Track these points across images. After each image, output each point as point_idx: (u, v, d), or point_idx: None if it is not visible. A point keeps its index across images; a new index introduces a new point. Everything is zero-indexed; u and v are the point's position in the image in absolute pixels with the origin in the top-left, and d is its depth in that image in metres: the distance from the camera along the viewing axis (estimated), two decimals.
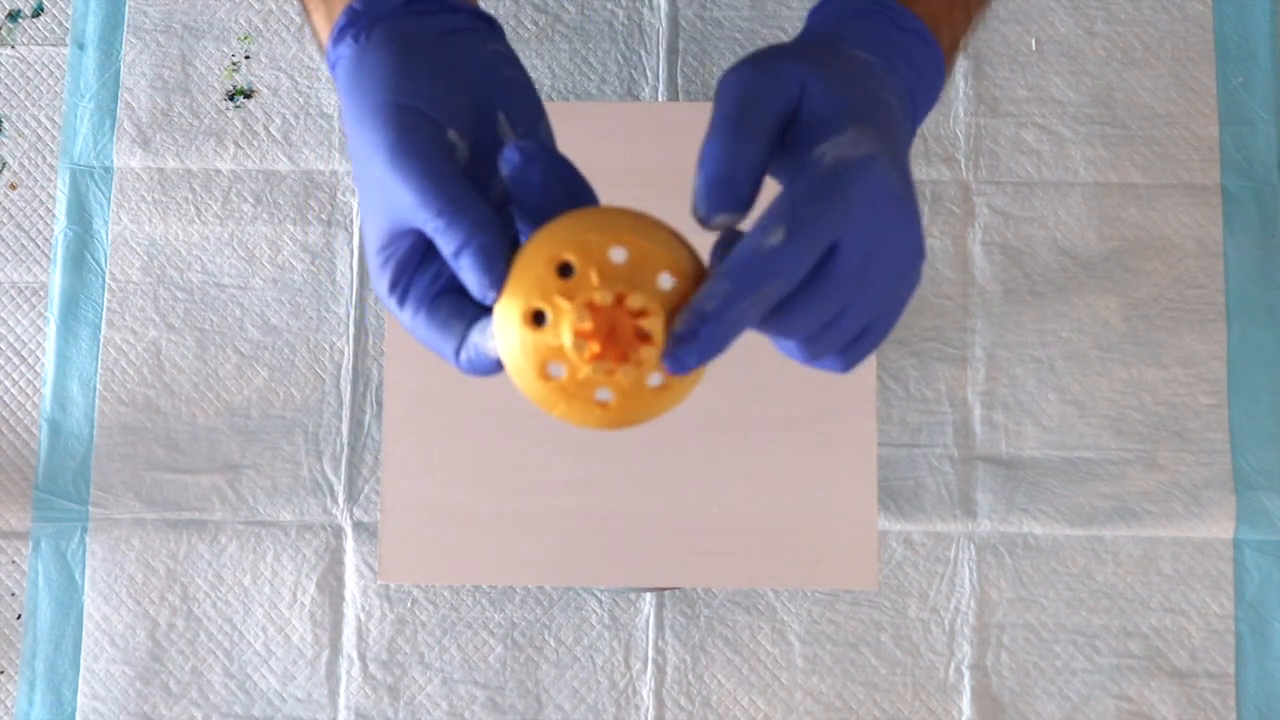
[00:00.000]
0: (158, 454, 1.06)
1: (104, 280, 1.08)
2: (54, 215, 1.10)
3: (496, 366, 0.39)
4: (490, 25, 0.46)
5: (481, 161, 0.41)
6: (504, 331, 0.37)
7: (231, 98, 1.11)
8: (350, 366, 1.07)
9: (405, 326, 0.41)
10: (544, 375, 0.37)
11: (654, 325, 0.37)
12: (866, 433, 0.70)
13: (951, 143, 1.08)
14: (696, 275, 0.38)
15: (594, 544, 0.70)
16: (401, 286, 0.40)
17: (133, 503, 1.05)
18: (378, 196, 0.39)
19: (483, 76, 0.43)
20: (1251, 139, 1.08)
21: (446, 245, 0.37)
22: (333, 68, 0.44)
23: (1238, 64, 1.09)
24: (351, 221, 1.08)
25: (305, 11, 0.47)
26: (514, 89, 0.43)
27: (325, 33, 0.45)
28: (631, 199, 0.42)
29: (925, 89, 0.46)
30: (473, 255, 0.37)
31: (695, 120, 0.73)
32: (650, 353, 0.37)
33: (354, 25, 0.44)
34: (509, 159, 0.38)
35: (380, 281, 0.40)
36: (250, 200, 1.09)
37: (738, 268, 0.36)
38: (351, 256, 1.08)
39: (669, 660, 1.02)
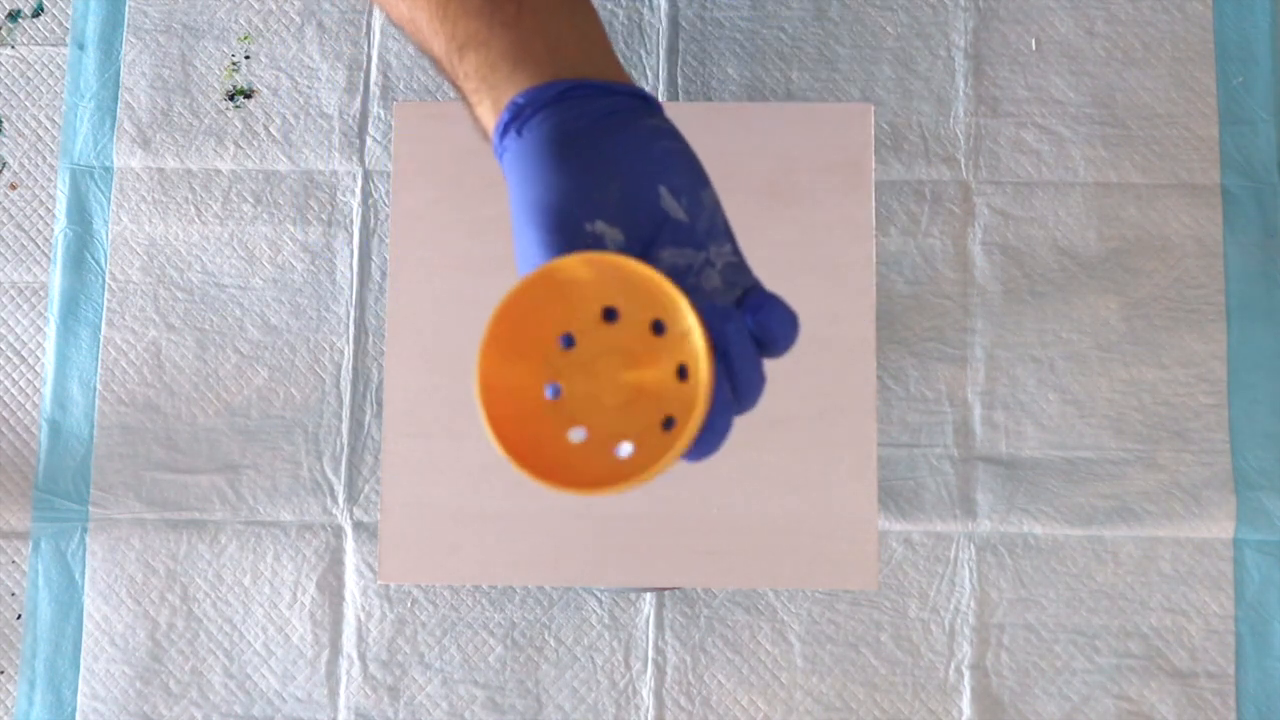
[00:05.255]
0: (158, 454, 1.06)
1: (104, 280, 1.08)
2: (54, 215, 1.10)
3: None
4: (646, 102, 0.48)
5: (640, 236, 0.44)
6: (488, 393, 0.40)
7: (231, 98, 1.11)
8: (350, 366, 1.07)
9: None
10: (563, 440, 0.41)
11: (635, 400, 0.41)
12: (866, 433, 0.70)
13: (951, 143, 1.08)
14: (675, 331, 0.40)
15: (594, 544, 0.70)
16: None
17: (133, 503, 1.05)
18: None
19: (640, 154, 0.45)
20: (1251, 139, 1.08)
21: None
22: (499, 158, 0.47)
23: (1238, 64, 1.09)
24: (352, 222, 1.08)
25: (467, 104, 0.50)
26: (673, 161, 0.46)
27: (490, 123, 0.48)
28: None
29: None
30: None
31: (695, 120, 0.73)
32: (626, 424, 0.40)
33: (517, 119, 0.46)
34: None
35: None
36: (250, 200, 1.09)
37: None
38: (351, 256, 1.08)
39: (669, 660, 1.02)
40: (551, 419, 0.41)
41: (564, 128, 0.45)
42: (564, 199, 0.44)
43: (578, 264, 0.40)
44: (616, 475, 0.39)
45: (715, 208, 0.46)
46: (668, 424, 0.40)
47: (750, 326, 0.42)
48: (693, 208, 0.45)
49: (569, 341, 0.41)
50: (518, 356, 0.41)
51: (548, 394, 0.41)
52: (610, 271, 0.40)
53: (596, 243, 0.43)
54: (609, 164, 0.45)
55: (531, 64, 0.47)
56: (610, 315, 0.41)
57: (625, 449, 0.40)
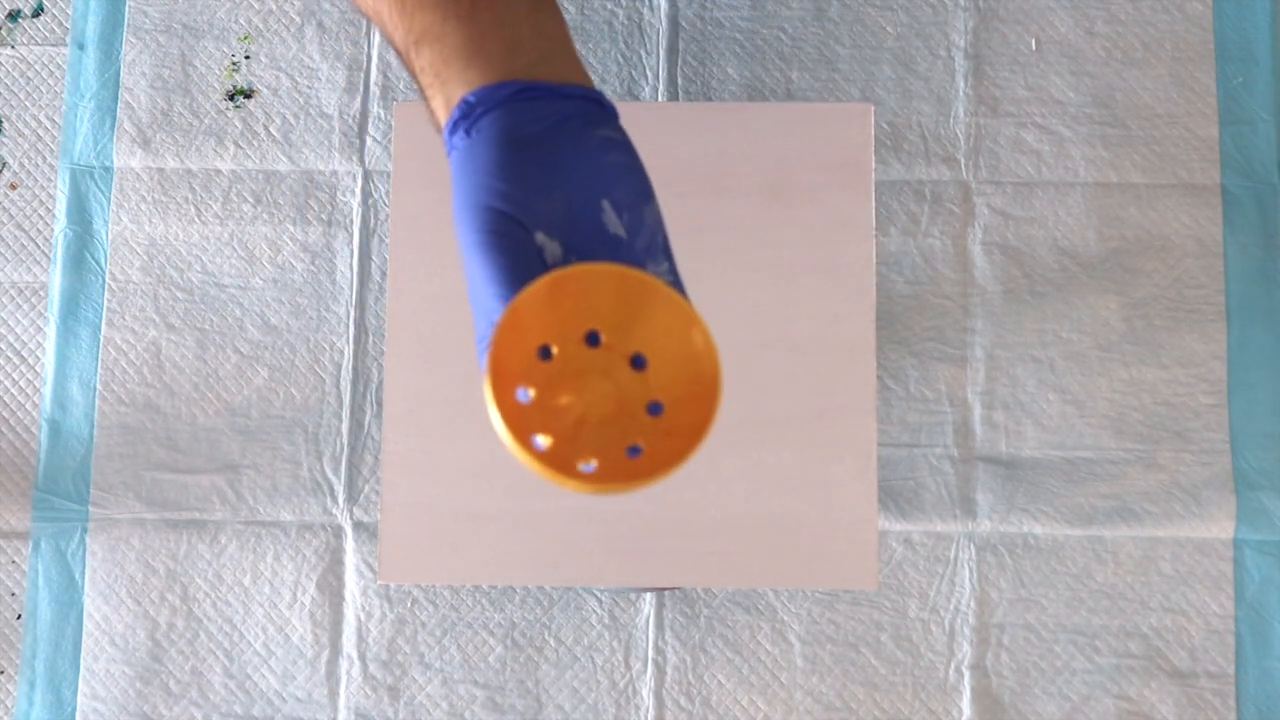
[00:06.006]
0: (158, 454, 1.06)
1: (104, 280, 1.08)
2: (54, 215, 1.10)
3: None
4: (601, 107, 0.48)
5: (579, 249, 0.44)
6: (493, 407, 0.41)
7: (231, 98, 1.11)
8: (350, 366, 1.07)
9: None
10: (529, 446, 0.41)
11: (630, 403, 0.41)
12: (866, 433, 0.70)
13: (951, 143, 1.08)
14: (677, 346, 0.41)
15: (594, 544, 0.70)
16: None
17: (133, 503, 1.05)
18: (471, 288, 0.44)
19: (586, 166, 0.45)
20: (1251, 139, 1.08)
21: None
22: (448, 154, 0.47)
23: (1238, 64, 1.09)
24: (352, 222, 1.08)
25: (424, 98, 0.49)
26: (618, 175, 0.45)
27: (441, 118, 0.48)
28: None
29: None
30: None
31: (695, 120, 0.73)
32: (629, 425, 0.41)
33: (466, 118, 0.46)
34: None
35: (482, 359, 0.43)
36: (250, 200, 1.09)
37: None
38: (351, 256, 1.08)
39: (669, 660, 1.02)
40: (518, 421, 0.41)
41: (513, 131, 0.45)
42: (509, 206, 0.44)
43: (607, 273, 0.41)
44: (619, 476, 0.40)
45: (656, 225, 0.46)
46: (632, 451, 0.41)
47: None
48: (633, 224, 0.45)
49: (546, 354, 0.42)
50: (509, 358, 0.41)
51: (519, 398, 0.41)
52: (630, 288, 0.41)
53: (539, 254, 0.43)
54: (554, 174, 0.45)
55: (484, 61, 0.46)
56: (593, 340, 0.42)
57: (588, 468, 0.41)
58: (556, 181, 0.45)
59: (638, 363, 0.42)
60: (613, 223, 0.44)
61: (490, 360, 0.40)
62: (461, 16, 0.47)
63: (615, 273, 0.41)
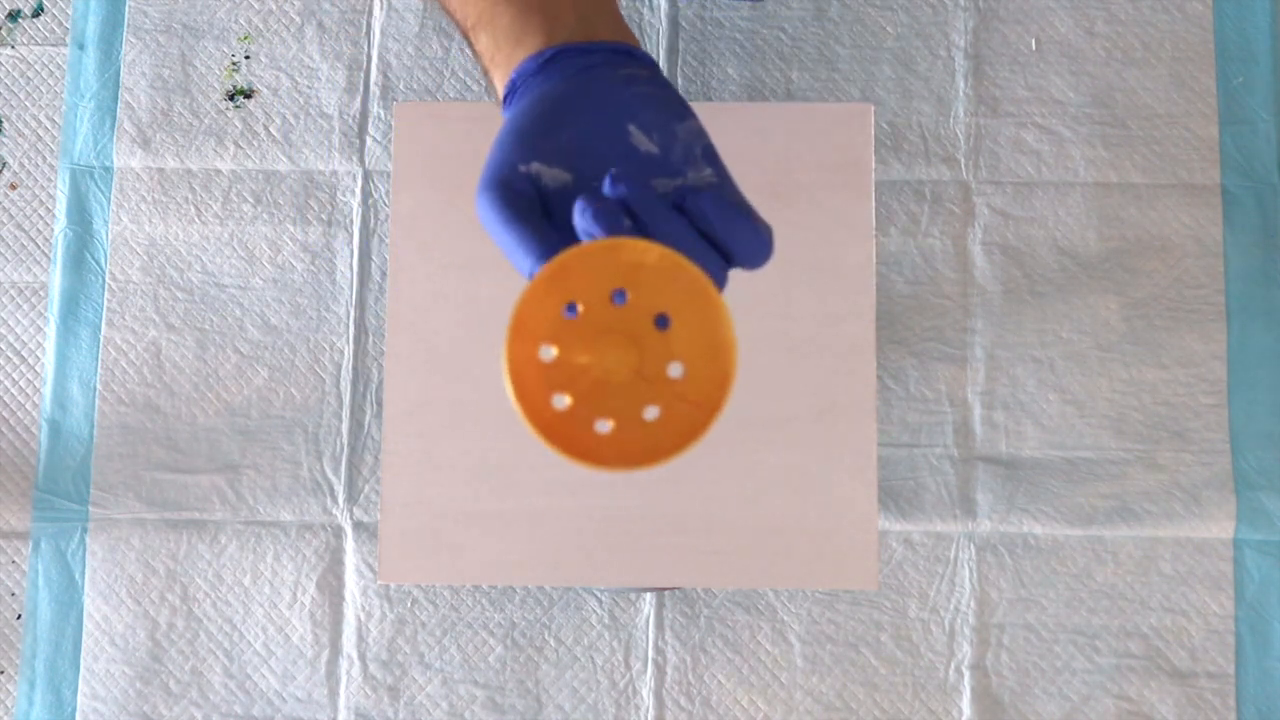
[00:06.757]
0: (158, 454, 1.06)
1: (104, 280, 1.08)
2: (54, 215, 1.10)
3: None
4: (630, 56, 0.48)
5: (596, 174, 0.44)
6: (514, 366, 0.41)
7: (231, 98, 1.11)
8: (350, 366, 1.07)
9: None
10: (548, 406, 0.41)
11: (652, 365, 0.41)
12: (866, 433, 0.70)
13: (951, 143, 1.08)
14: (703, 311, 0.41)
15: (594, 544, 0.70)
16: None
17: (133, 503, 1.05)
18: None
19: (608, 99, 0.45)
20: (1251, 139, 1.08)
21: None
22: None
23: (1238, 64, 1.09)
24: (352, 222, 1.08)
25: (489, 85, 0.51)
26: (643, 101, 0.46)
27: (500, 97, 0.50)
28: None
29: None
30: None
31: None
32: (645, 388, 0.41)
33: (510, 96, 0.48)
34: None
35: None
36: (250, 200, 1.09)
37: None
38: (351, 256, 1.08)
39: (669, 660, 1.02)
40: (540, 380, 0.41)
41: (537, 94, 0.46)
42: (502, 150, 0.44)
43: (638, 246, 0.41)
44: (622, 453, 0.41)
45: (694, 137, 0.45)
46: (650, 413, 0.41)
47: (707, 226, 0.42)
48: (665, 140, 0.45)
49: (572, 310, 0.42)
50: (534, 320, 0.41)
51: (541, 355, 0.41)
52: (657, 260, 0.41)
53: (532, 183, 0.43)
54: (564, 113, 0.45)
55: (530, 40, 0.48)
56: (619, 298, 0.42)
57: (603, 426, 0.41)
58: (566, 119, 0.45)
59: (661, 323, 0.42)
60: (643, 143, 0.45)
61: (515, 318, 0.40)
62: (510, 0, 0.49)
63: (651, 249, 0.41)
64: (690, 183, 0.44)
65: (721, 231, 0.42)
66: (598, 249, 0.41)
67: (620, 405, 0.41)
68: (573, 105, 0.45)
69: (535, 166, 0.44)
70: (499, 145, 0.45)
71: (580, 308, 0.41)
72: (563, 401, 0.41)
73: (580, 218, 0.41)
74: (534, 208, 0.43)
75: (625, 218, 0.41)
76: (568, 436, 0.41)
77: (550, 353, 0.41)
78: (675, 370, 0.41)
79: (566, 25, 0.48)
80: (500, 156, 0.45)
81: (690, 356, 0.41)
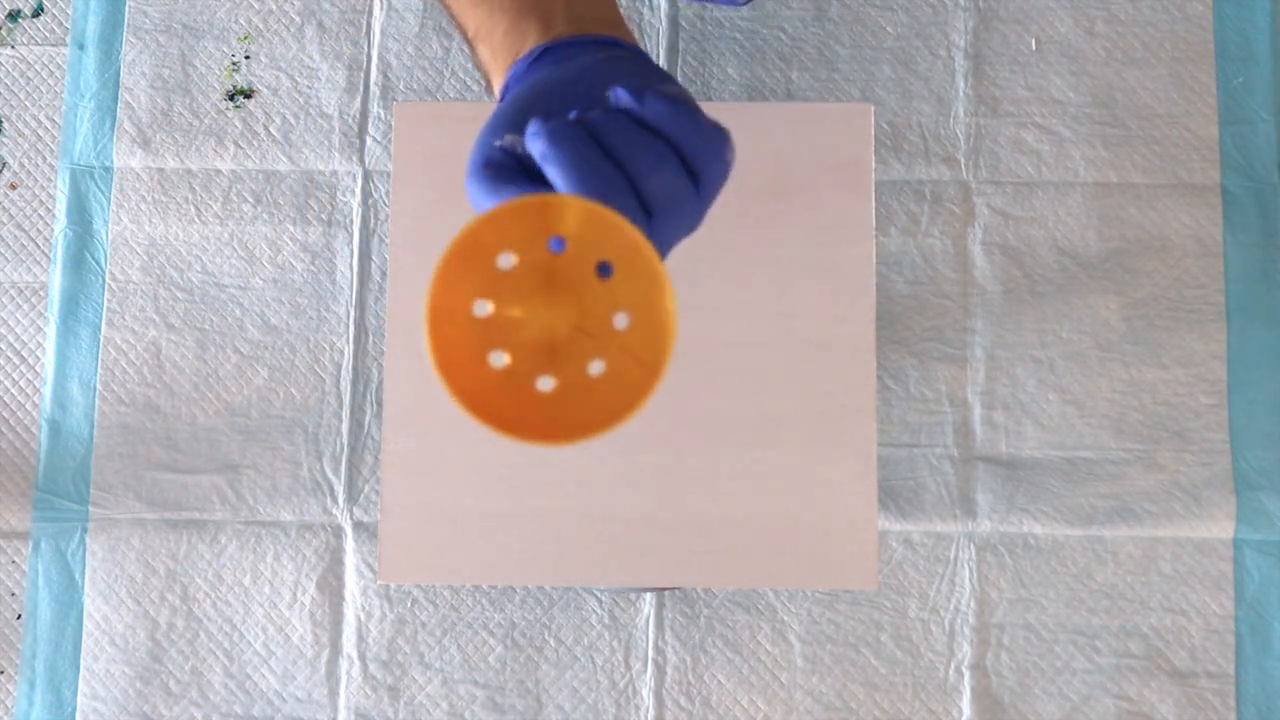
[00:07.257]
0: (158, 454, 1.06)
1: (104, 280, 1.08)
2: (54, 215, 1.10)
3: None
4: (617, 46, 0.48)
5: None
6: (439, 325, 0.37)
7: (231, 98, 1.11)
8: (350, 366, 1.07)
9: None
10: (483, 366, 0.38)
11: (589, 319, 0.38)
12: (866, 433, 0.70)
13: (951, 143, 1.08)
14: (634, 263, 0.38)
15: (594, 544, 0.70)
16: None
17: (133, 503, 1.05)
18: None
19: (587, 72, 0.45)
20: (1251, 139, 1.08)
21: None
22: None
23: (1238, 64, 1.09)
24: (352, 222, 1.08)
25: (490, 93, 0.52)
26: (624, 72, 0.45)
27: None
28: None
29: None
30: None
31: None
32: (587, 343, 0.38)
33: (504, 96, 0.48)
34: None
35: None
36: (250, 200, 1.09)
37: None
38: (351, 256, 1.08)
39: (669, 660, 1.02)
40: (475, 339, 0.38)
41: (520, 85, 0.47)
42: (481, 136, 0.44)
43: (549, 201, 0.38)
44: (555, 423, 0.37)
45: (675, 95, 0.44)
46: (594, 368, 0.38)
47: (662, 122, 0.41)
48: (642, 96, 0.43)
49: (507, 262, 0.39)
50: (461, 278, 0.38)
51: (475, 311, 0.38)
52: (575, 213, 0.38)
53: (507, 155, 0.42)
54: (542, 90, 0.45)
55: (524, 45, 0.48)
56: (557, 246, 0.39)
57: (545, 384, 0.38)
58: (548, 92, 0.45)
59: (604, 270, 0.39)
60: (619, 98, 0.44)
61: (438, 274, 0.37)
62: (505, 8, 0.49)
63: (581, 205, 0.38)
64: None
65: (673, 128, 0.41)
66: (528, 202, 0.38)
67: (563, 362, 0.38)
68: (551, 80, 0.45)
69: (509, 138, 0.43)
70: (480, 134, 0.45)
71: (515, 258, 0.38)
72: (501, 360, 0.38)
73: (532, 141, 0.40)
74: (514, 173, 0.42)
75: (584, 133, 0.40)
76: (502, 404, 0.38)
77: (485, 308, 0.38)
78: (621, 321, 0.38)
79: (557, 26, 0.48)
80: (480, 141, 0.44)
81: (634, 308, 0.38)
